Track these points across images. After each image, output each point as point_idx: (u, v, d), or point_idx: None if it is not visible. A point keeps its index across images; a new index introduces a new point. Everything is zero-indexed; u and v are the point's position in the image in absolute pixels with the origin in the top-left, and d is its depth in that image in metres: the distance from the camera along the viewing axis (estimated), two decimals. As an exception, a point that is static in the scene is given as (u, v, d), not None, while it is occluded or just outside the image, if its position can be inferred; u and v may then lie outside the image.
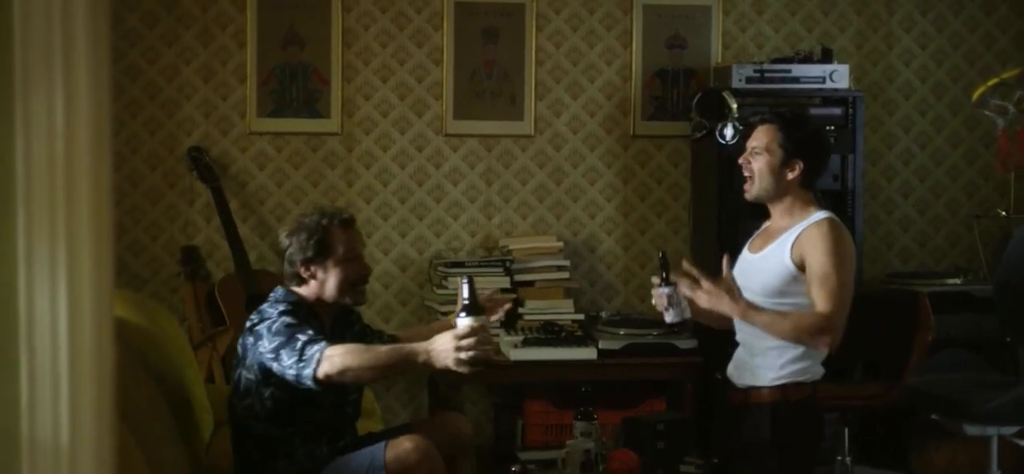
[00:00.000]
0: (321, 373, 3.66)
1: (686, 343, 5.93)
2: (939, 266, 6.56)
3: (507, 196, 6.35)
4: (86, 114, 1.57)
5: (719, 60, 6.37)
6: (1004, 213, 6.43)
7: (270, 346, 3.74)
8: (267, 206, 6.20)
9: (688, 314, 3.99)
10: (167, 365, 4.19)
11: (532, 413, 6.00)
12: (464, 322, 3.58)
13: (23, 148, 1.57)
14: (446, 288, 5.93)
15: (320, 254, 3.91)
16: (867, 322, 5.29)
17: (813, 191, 4.17)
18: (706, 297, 3.88)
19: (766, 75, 5.98)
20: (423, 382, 6.24)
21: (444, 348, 3.59)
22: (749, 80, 5.96)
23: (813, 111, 6.08)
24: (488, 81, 6.30)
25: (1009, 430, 5.09)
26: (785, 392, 3.95)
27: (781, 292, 3.97)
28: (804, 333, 3.91)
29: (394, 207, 6.28)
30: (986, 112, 6.14)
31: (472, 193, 6.33)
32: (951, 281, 6.18)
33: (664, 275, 3.95)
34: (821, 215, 4.06)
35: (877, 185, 6.55)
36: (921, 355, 5.38)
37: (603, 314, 6.27)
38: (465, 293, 3.65)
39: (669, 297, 3.92)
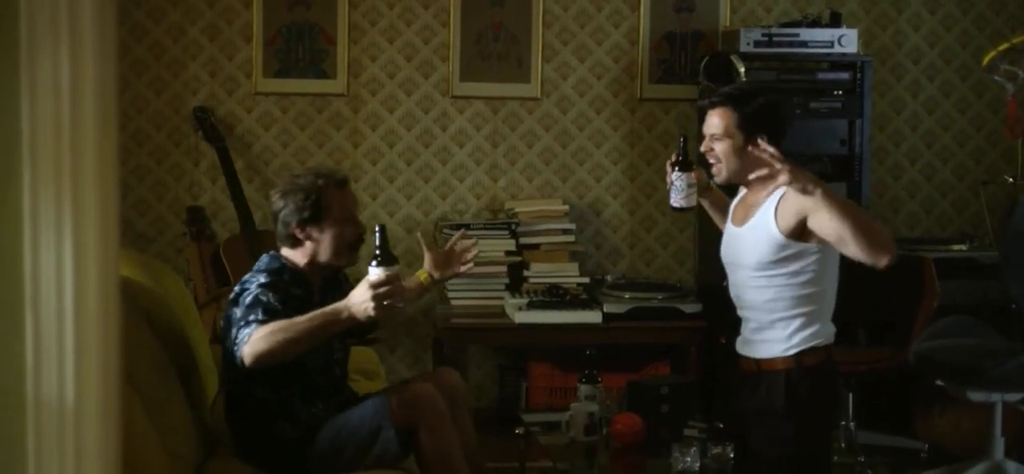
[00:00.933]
0: (246, 357, 3.65)
1: (691, 307, 5.95)
2: (945, 232, 6.55)
3: (513, 159, 6.34)
4: (92, 73, 1.56)
5: (727, 24, 6.34)
6: (1011, 179, 6.41)
7: (237, 317, 3.73)
8: (272, 167, 6.20)
9: (693, 202, 4.12)
10: (172, 325, 4.19)
11: (536, 376, 6.01)
12: (376, 272, 3.59)
13: (28, 107, 1.56)
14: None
15: (315, 216, 3.88)
16: (872, 287, 5.28)
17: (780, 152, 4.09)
18: (787, 174, 3.75)
19: (774, 39, 5.96)
20: (428, 343, 6.25)
21: (361, 299, 3.59)
22: (757, 44, 5.94)
23: (821, 75, 6.07)
24: (495, 43, 6.28)
25: (1013, 396, 5.10)
26: (800, 359, 3.92)
27: (773, 263, 3.93)
28: (875, 234, 3.79)
29: (400, 169, 6.27)
30: (996, 77, 6.12)
31: (478, 155, 6.32)
32: (957, 247, 6.18)
33: (681, 158, 4.05)
34: None
35: (884, 150, 6.53)
36: (926, 321, 5.37)
37: (608, 278, 6.27)
38: (376, 242, 3.65)
39: (680, 181, 4.05)
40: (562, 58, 6.33)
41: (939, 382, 5.19)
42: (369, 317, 3.62)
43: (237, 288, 3.87)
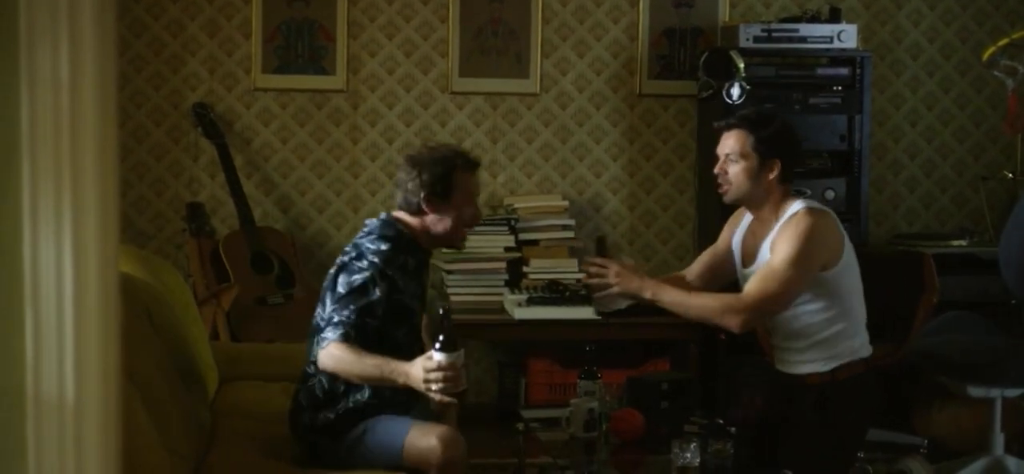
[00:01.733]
0: (319, 360, 3.76)
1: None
2: (945, 227, 6.55)
3: (512, 155, 6.34)
4: (91, 67, 1.56)
5: (726, 19, 6.34)
6: (1011, 175, 6.41)
7: (340, 288, 3.79)
8: (272, 163, 6.19)
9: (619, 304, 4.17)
10: (172, 322, 4.19)
11: (536, 372, 6.01)
12: (437, 357, 3.57)
13: (28, 101, 1.56)
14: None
15: (446, 192, 3.92)
16: (872, 283, 5.27)
17: (791, 184, 4.12)
18: (616, 279, 4.01)
19: (773, 34, 5.96)
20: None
21: (422, 376, 3.60)
22: (756, 39, 5.93)
23: (820, 71, 6.07)
24: (494, 38, 6.28)
25: (1013, 392, 5.09)
26: (835, 374, 4.01)
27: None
28: (713, 314, 3.96)
29: (399, 165, 6.25)
30: (995, 72, 6.12)
31: (477, 151, 6.30)
32: (957, 242, 6.17)
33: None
34: (795, 208, 4.02)
35: (884, 146, 6.53)
36: (926, 317, 5.37)
37: (608, 273, 6.25)
38: (442, 326, 3.62)
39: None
40: (561, 54, 6.33)
41: (939, 378, 5.19)
42: (427, 393, 3.64)
43: (352, 251, 3.88)
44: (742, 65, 5.81)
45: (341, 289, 3.78)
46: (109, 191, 1.61)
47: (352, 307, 3.74)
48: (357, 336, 3.72)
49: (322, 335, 3.75)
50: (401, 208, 3.97)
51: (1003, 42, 6.05)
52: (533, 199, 6.25)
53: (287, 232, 6.11)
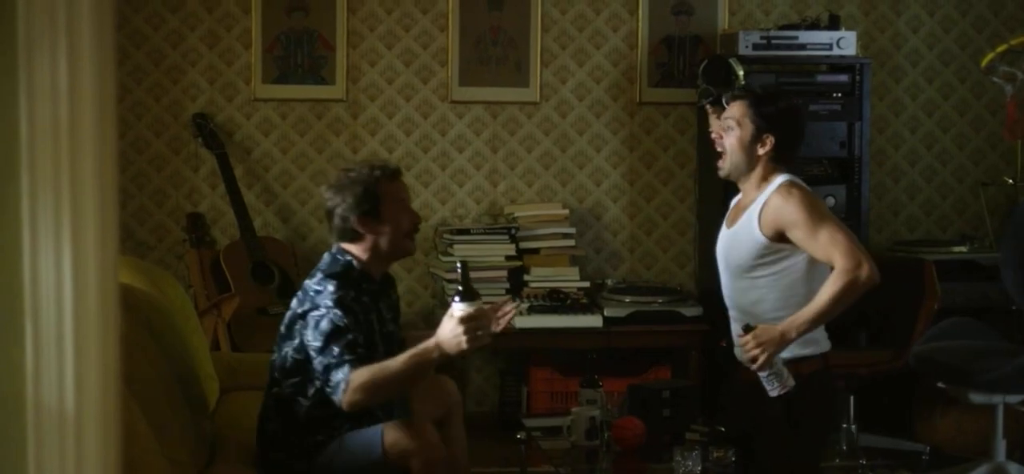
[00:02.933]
0: (345, 405, 3.69)
1: (691, 311, 5.95)
2: (945, 234, 6.55)
3: (512, 163, 6.34)
4: (90, 77, 1.56)
5: (726, 27, 6.34)
6: (1011, 181, 6.41)
7: (313, 341, 3.74)
8: (272, 173, 6.20)
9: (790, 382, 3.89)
10: (172, 332, 4.19)
11: (537, 380, 6.00)
12: (461, 307, 3.60)
13: (27, 111, 1.55)
14: (452, 256, 5.93)
15: (373, 208, 3.90)
16: (872, 290, 5.26)
17: (781, 165, 4.09)
18: (755, 347, 3.82)
19: (773, 42, 5.96)
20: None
21: (452, 335, 3.61)
22: (756, 46, 5.94)
23: (820, 78, 6.06)
24: (494, 47, 6.28)
25: (1014, 398, 5.09)
26: (796, 367, 3.91)
27: (752, 266, 3.94)
28: (846, 295, 3.81)
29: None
30: (994, 79, 6.12)
31: (477, 160, 6.31)
32: (957, 249, 6.18)
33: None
34: (779, 180, 4.00)
35: (883, 153, 6.53)
36: (927, 323, 5.37)
37: (609, 282, 6.27)
38: (459, 278, 3.68)
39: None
40: (561, 62, 6.33)
41: (940, 384, 5.19)
42: (462, 350, 3.64)
43: (300, 296, 3.87)
44: (742, 73, 5.78)
45: (315, 341, 3.74)
46: (108, 201, 1.61)
47: (336, 346, 3.71)
48: (360, 362, 3.70)
49: (330, 383, 3.70)
50: (340, 238, 3.95)
51: (1002, 48, 6.05)
52: (533, 208, 6.25)
53: (288, 242, 6.11)
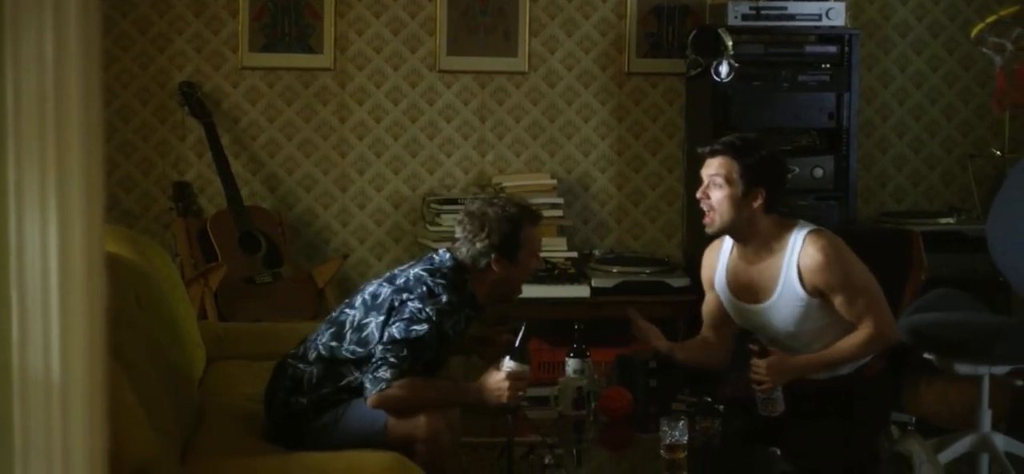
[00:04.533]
0: (373, 403, 3.78)
1: (679, 281, 5.95)
2: (933, 205, 6.56)
3: (500, 133, 6.33)
4: (76, 46, 1.55)
5: (714, -3, 6.33)
6: (999, 152, 6.42)
7: (395, 330, 3.80)
8: (259, 142, 6.18)
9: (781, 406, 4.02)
10: (159, 301, 4.18)
11: (525, 350, 6.00)
12: (513, 365, 3.80)
13: (12, 81, 1.55)
14: (439, 225, 5.93)
15: (513, 251, 3.97)
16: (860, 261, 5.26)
17: (778, 214, 4.12)
18: (769, 374, 3.94)
19: (762, 12, 5.95)
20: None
21: (496, 388, 3.79)
22: (745, 17, 5.93)
23: (808, 49, 6.05)
24: (482, 17, 6.26)
25: (1000, 369, 5.10)
26: (861, 371, 4.08)
27: (817, 318, 4.04)
28: (868, 350, 4.01)
29: (387, 144, 6.26)
30: (983, 50, 6.12)
31: (465, 130, 6.30)
32: (944, 220, 6.19)
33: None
34: (803, 233, 4.03)
35: (871, 124, 6.53)
36: (913, 294, 5.37)
37: (596, 252, 6.27)
38: (518, 338, 3.85)
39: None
40: (549, 32, 6.32)
41: (926, 355, 5.20)
42: (499, 404, 3.82)
43: (415, 285, 3.88)
44: (730, 43, 5.80)
45: (398, 333, 3.80)
46: (94, 169, 1.60)
47: (407, 354, 3.79)
48: (406, 373, 3.78)
49: (376, 374, 3.76)
50: (464, 259, 3.98)
51: (991, 19, 6.05)
52: (521, 177, 6.25)
53: (274, 211, 6.10)
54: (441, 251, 4.02)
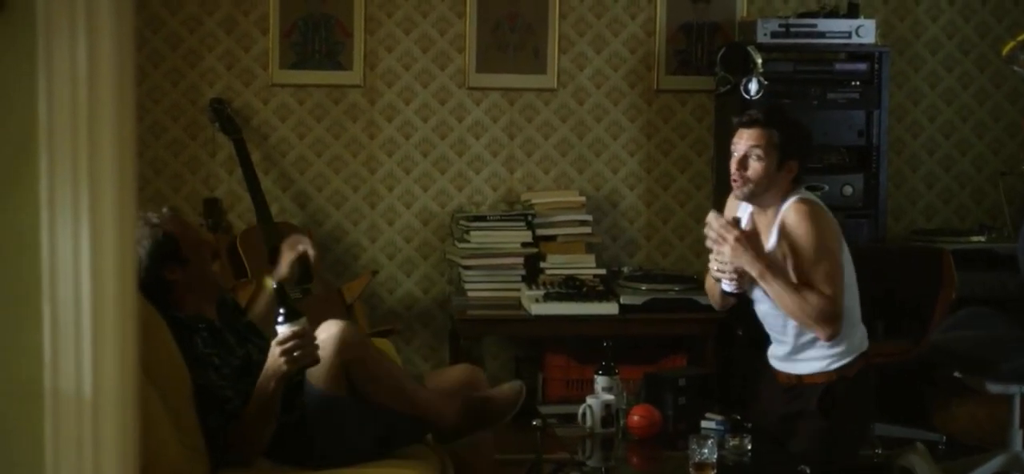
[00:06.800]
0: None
1: (707, 299, 5.92)
2: (964, 223, 6.52)
3: (529, 150, 6.33)
4: (109, 60, 1.55)
5: (744, 14, 6.32)
6: (1030, 170, 6.38)
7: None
8: (289, 158, 6.20)
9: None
10: (189, 316, 4.18)
11: (553, 367, 6.00)
12: (282, 328, 3.64)
13: (45, 95, 1.55)
14: (468, 242, 5.93)
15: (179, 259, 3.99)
16: (890, 279, 5.26)
17: (799, 185, 4.14)
18: (734, 245, 3.94)
19: (791, 30, 5.94)
20: (444, 335, 6.25)
21: (274, 364, 3.65)
22: (774, 35, 5.91)
23: (838, 66, 6.04)
24: (511, 34, 6.26)
25: (1032, 388, 5.07)
26: (842, 372, 4.05)
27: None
28: (809, 316, 3.95)
29: (416, 160, 6.26)
30: (1015, 68, 6.08)
31: (494, 147, 6.31)
32: (975, 239, 6.15)
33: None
34: (794, 197, 4.05)
35: (902, 141, 6.50)
36: (944, 313, 5.35)
37: (625, 269, 6.26)
38: (278, 302, 3.73)
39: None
40: (579, 49, 6.32)
41: (957, 374, 5.17)
42: (286, 371, 3.65)
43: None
44: (760, 60, 5.79)
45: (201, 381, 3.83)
46: (127, 186, 1.61)
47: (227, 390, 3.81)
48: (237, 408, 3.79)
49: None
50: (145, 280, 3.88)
51: (1021, 37, 6.01)
52: (550, 195, 6.24)
53: (304, 227, 6.11)
54: None
